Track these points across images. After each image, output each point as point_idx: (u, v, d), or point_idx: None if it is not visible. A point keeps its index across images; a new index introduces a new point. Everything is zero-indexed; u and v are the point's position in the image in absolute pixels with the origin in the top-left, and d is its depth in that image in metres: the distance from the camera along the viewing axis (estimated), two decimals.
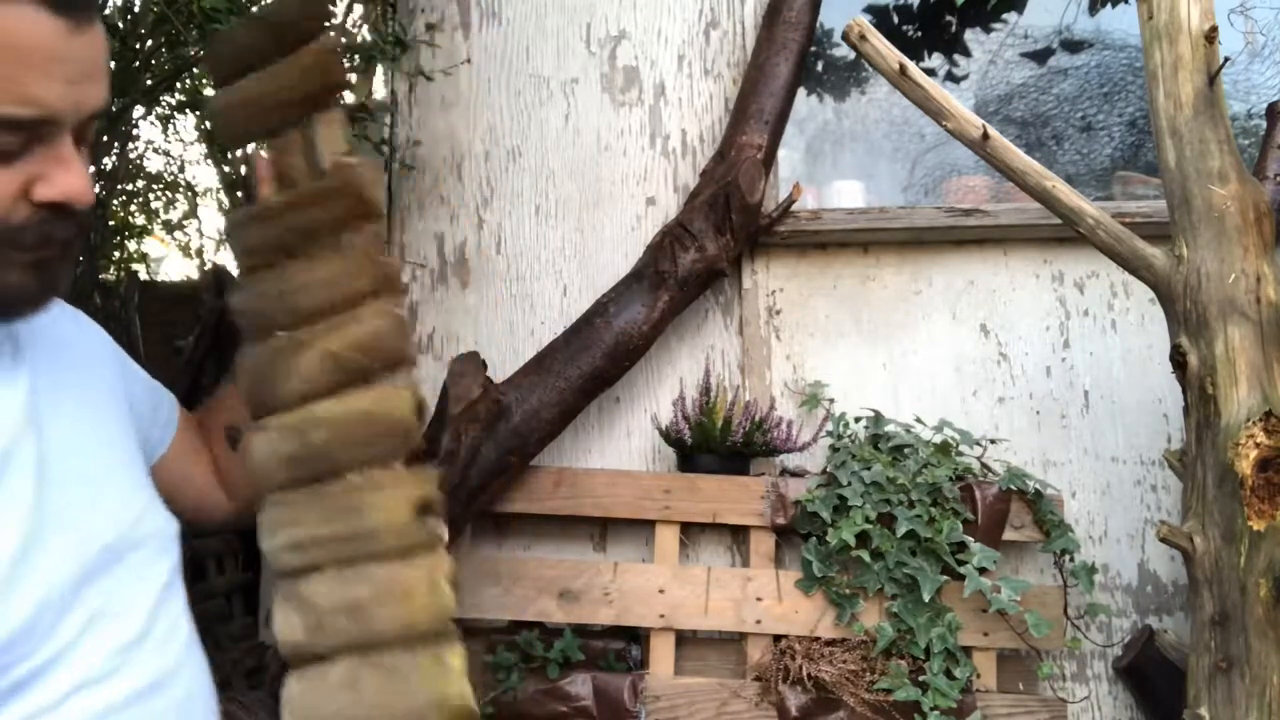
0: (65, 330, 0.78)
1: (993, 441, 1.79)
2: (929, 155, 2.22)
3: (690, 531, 1.79)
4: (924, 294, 1.88)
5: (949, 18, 2.31)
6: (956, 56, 2.32)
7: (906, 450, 1.72)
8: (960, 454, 1.74)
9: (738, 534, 1.79)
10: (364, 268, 0.74)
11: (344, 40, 1.71)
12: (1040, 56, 2.30)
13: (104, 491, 0.71)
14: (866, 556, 1.62)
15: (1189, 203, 1.34)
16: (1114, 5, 2.25)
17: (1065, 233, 1.58)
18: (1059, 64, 2.29)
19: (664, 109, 1.98)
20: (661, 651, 1.68)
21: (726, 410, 1.73)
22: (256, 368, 0.76)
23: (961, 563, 1.59)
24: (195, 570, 2.05)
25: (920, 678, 1.58)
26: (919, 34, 2.31)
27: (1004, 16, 2.29)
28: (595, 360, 1.66)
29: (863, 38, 1.46)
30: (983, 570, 1.58)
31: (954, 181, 2.00)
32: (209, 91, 2.12)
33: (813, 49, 2.03)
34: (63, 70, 0.59)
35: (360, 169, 0.74)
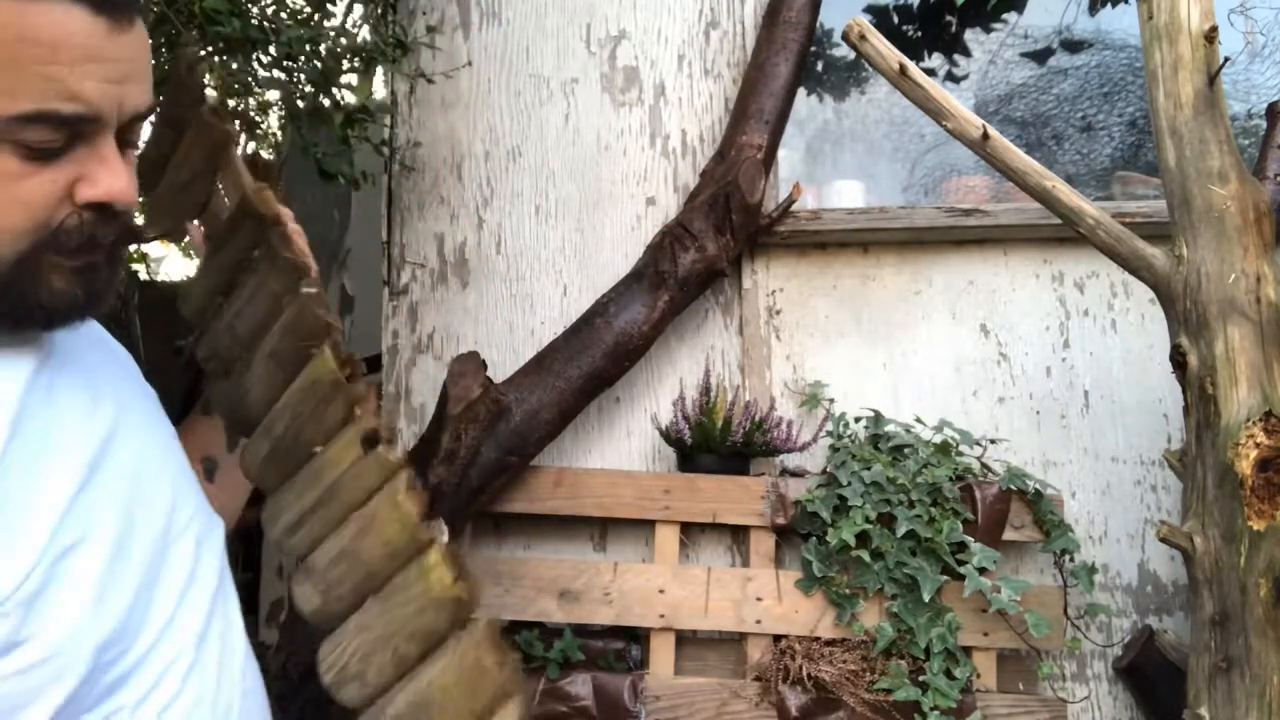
0: (112, 344, 0.82)
1: (993, 441, 1.79)
2: (929, 155, 2.22)
3: (690, 531, 1.79)
4: (924, 294, 1.88)
5: (949, 18, 2.31)
6: (956, 56, 2.32)
7: (906, 450, 1.72)
8: (960, 454, 1.74)
9: (738, 534, 1.79)
10: (273, 271, 0.79)
11: (344, 41, 1.71)
12: (1040, 56, 2.30)
13: (171, 489, 0.74)
14: (866, 556, 1.62)
15: (1189, 203, 1.34)
16: (1114, 5, 2.25)
17: (1065, 233, 1.58)
18: (1059, 64, 2.29)
19: (664, 109, 1.98)
20: (661, 651, 1.68)
21: (726, 410, 1.73)
22: (224, 400, 0.83)
23: (961, 563, 1.59)
24: None
25: (920, 678, 1.58)
26: (919, 34, 2.31)
27: (1004, 16, 2.29)
28: (595, 360, 1.66)
29: (863, 38, 1.46)
30: (983, 570, 1.58)
31: (954, 181, 2.00)
32: (209, 91, 2.11)
33: (813, 49, 2.03)
34: (102, 69, 0.59)
35: (253, 191, 0.80)
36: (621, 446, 1.89)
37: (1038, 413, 1.83)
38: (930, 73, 1.97)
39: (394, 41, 1.73)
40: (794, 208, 1.81)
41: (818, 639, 1.65)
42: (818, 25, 1.88)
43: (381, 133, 1.97)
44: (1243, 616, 1.22)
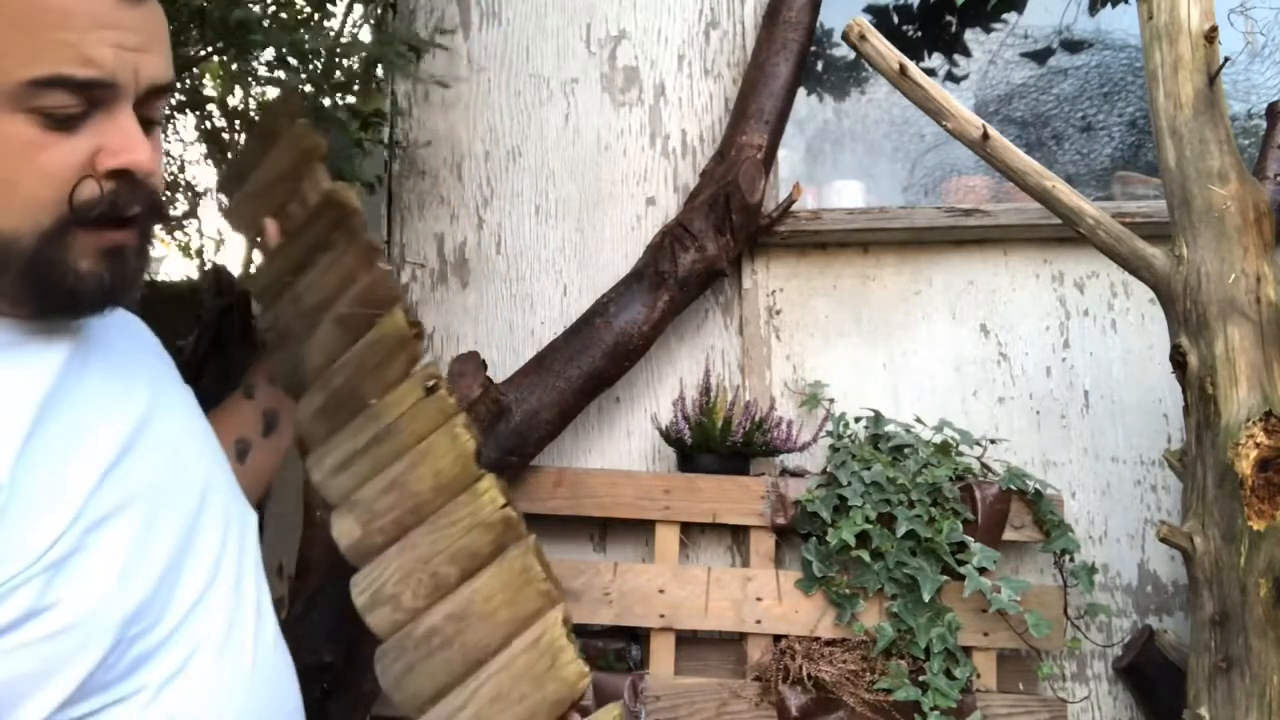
0: (149, 335, 0.84)
1: (993, 441, 1.79)
2: (929, 155, 2.22)
3: (690, 531, 1.79)
4: (924, 294, 1.88)
5: (949, 18, 2.31)
6: (956, 56, 2.32)
7: (906, 450, 1.72)
8: (960, 454, 1.74)
9: (738, 534, 1.79)
10: (350, 250, 0.89)
11: (343, 41, 1.71)
12: (1040, 56, 2.30)
13: (205, 472, 0.75)
14: (866, 556, 1.62)
15: (1189, 203, 1.34)
16: (1114, 5, 2.25)
17: (1065, 233, 1.58)
18: (1059, 64, 2.29)
19: (664, 109, 1.98)
20: (661, 651, 1.68)
21: (726, 410, 1.73)
22: (283, 364, 0.90)
23: (961, 563, 1.59)
24: None
25: (920, 678, 1.58)
26: (919, 34, 2.31)
27: (1004, 16, 2.29)
28: (595, 360, 1.66)
29: (863, 38, 1.46)
30: (983, 570, 1.58)
31: (954, 181, 2.00)
32: (209, 91, 2.12)
33: (813, 49, 2.03)
34: (116, 35, 0.60)
35: (337, 187, 0.91)
36: (621, 446, 1.89)
37: (1038, 413, 1.83)
38: (930, 73, 1.97)
39: (405, 45, 1.72)
40: (794, 208, 1.81)
41: (818, 639, 1.65)
42: (818, 25, 1.88)
43: (381, 133, 1.97)
44: (1243, 616, 1.22)
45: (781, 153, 1.88)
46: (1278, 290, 1.29)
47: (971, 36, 2.32)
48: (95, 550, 0.59)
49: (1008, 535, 1.66)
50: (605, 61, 2.01)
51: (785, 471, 1.79)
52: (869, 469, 1.65)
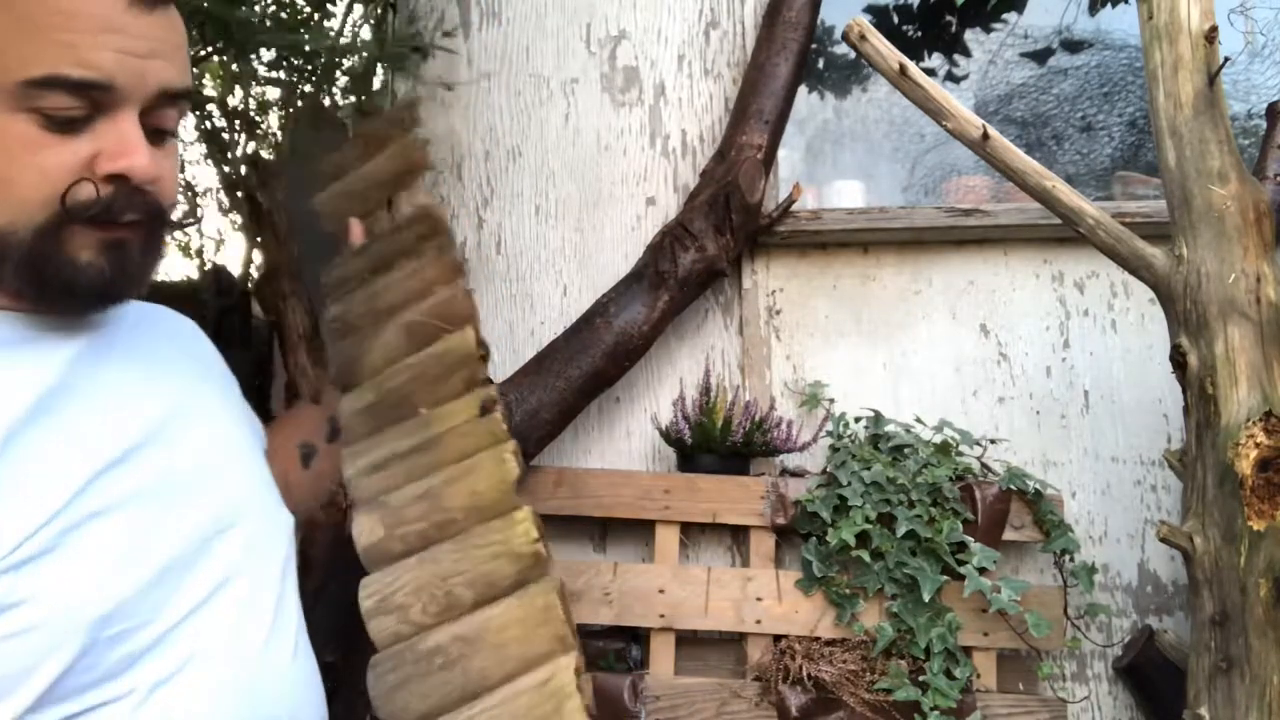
0: (195, 336, 0.86)
1: (993, 441, 1.79)
2: (929, 155, 2.22)
3: (690, 531, 1.79)
4: (924, 294, 1.88)
5: (949, 18, 2.31)
6: (956, 56, 2.32)
7: (906, 450, 1.72)
8: (960, 454, 1.74)
9: (738, 534, 1.79)
10: (434, 262, 0.91)
11: (344, 41, 1.71)
12: (1040, 56, 2.30)
13: (228, 482, 0.74)
14: (866, 556, 1.62)
15: (1189, 203, 1.34)
16: (1114, 5, 2.25)
17: (1065, 233, 1.58)
18: (1059, 64, 2.29)
19: (664, 109, 1.98)
20: (661, 651, 1.68)
21: (726, 410, 1.73)
22: (343, 354, 0.91)
23: (961, 563, 1.59)
24: None
25: (920, 678, 1.58)
26: (919, 34, 2.31)
27: (1004, 16, 2.29)
28: (595, 360, 1.66)
29: (863, 38, 1.46)
30: (983, 570, 1.58)
31: (954, 181, 2.00)
32: (209, 91, 2.12)
33: (813, 48, 2.03)
34: (120, 41, 0.61)
35: (435, 204, 0.95)
36: (621, 446, 1.89)
37: (1038, 413, 1.83)
38: (930, 73, 1.97)
39: (411, 47, 1.73)
40: (794, 208, 1.81)
41: (818, 639, 1.65)
42: (818, 25, 1.88)
43: None
44: (1243, 616, 1.22)
45: (781, 153, 1.88)
46: (1278, 290, 1.29)
47: (971, 36, 2.32)
48: (75, 548, 0.59)
49: (1008, 535, 1.66)
50: (605, 61, 2.01)
51: (785, 471, 1.79)
52: (869, 469, 1.65)
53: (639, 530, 1.79)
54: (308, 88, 1.66)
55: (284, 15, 1.62)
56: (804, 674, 1.59)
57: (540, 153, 2.00)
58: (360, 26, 1.89)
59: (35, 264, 0.62)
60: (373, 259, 0.95)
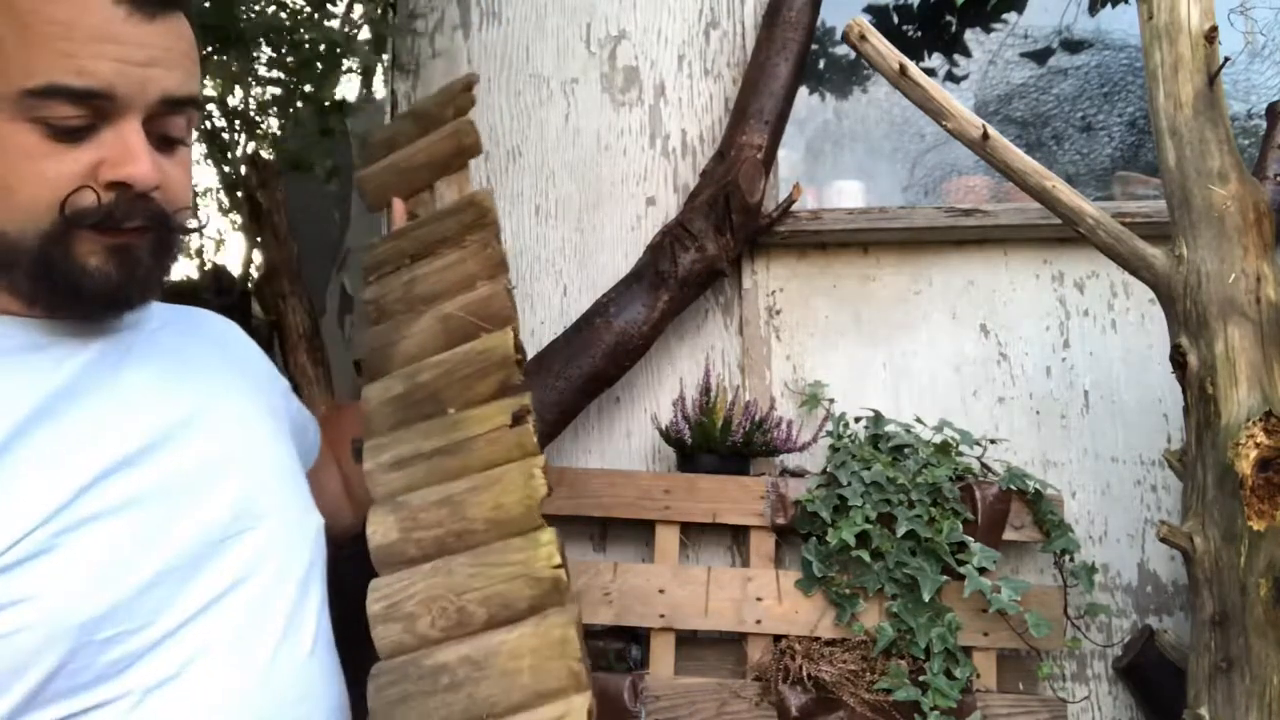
0: (232, 339, 0.86)
1: (993, 441, 1.79)
2: (929, 155, 2.22)
3: (690, 531, 1.79)
4: (924, 294, 1.88)
5: (949, 18, 2.31)
6: (956, 56, 2.32)
7: (906, 450, 1.71)
8: (960, 454, 1.74)
9: (738, 534, 1.79)
10: (477, 255, 0.88)
11: (341, 41, 1.71)
12: (1040, 56, 2.30)
13: (246, 489, 0.73)
14: (866, 556, 1.62)
15: (1189, 203, 1.34)
16: (1114, 5, 2.25)
17: (1065, 233, 1.58)
18: (1059, 64, 2.29)
19: (664, 109, 1.98)
20: (661, 651, 1.68)
21: (726, 410, 1.73)
22: (375, 339, 0.88)
23: (961, 563, 1.59)
24: None
25: (920, 678, 1.58)
26: (919, 34, 2.31)
27: (1004, 16, 2.29)
28: (595, 360, 1.66)
29: (863, 38, 1.46)
30: (983, 570, 1.58)
31: (954, 181, 2.00)
32: (209, 91, 2.12)
33: (813, 48, 2.03)
34: (120, 50, 0.61)
35: (485, 192, 0.92)
36: (621, 446, 1.89)
37: (1038, 413, 1.83)
38: (930, 73, 1.97)
39: (407, 64, 1.73)
40: (794, 208, 1.81)
41: (818, 639, 1.65)
42: (818, 25, 1.88)
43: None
44: (1243, 616, 1.22)
45: (781, 153, 1.88)
46: (1278, 290, 1.29)
47: (971, 36, 2.32)
48: (69, 551, 0.59)
49: (1008, 535, 1.66)
50: (605, 61, 2.01)
51: (785, 471, 1.79)
52: (869, 469, 1.65)
53: (639, 530, 1.79)
54: (308, 88, 1.66)
55: (284, 15, 1.62)
56: (804, 674, 1.59)
57: (540, 153, 2.00)
58: (360, 27, 1.90)
59: (44, 269, 0.62)
60: (415, 243, 0.91)
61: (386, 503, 0.77)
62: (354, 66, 1.71)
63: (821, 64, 2.31)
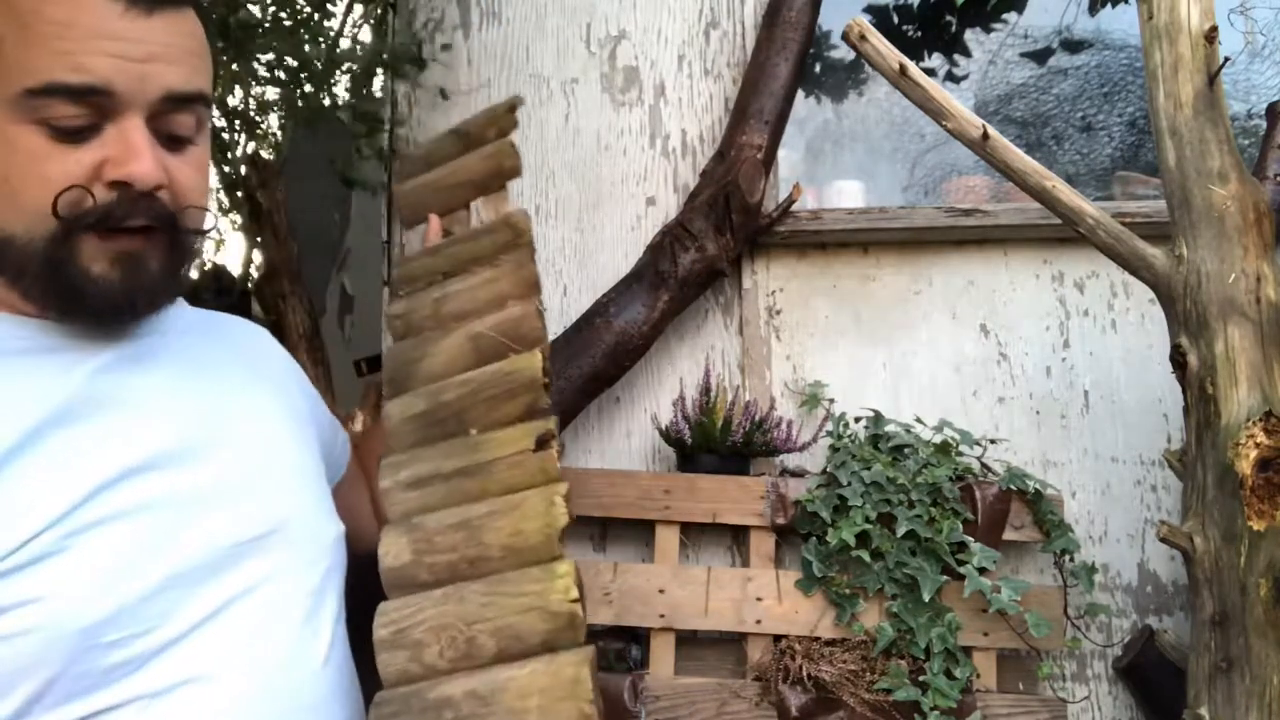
0: (260, 345, 0.86)
1: (993, 441, 1.79)
2: (929, 155, 2.22)
3: (690, 531, 1.79)
4: (924, 294, 1.88)
5: (949, 18, 2.31)
6: (956, 56, 2.32)
7: (906, 450, 1.71)
8: (960, 454, 1.74)
9: (738, 534, 1.79)
10: (510, 275, 0.88)
11: (343, 46, 1.71)
12: (1040, 56, 2.30)
13: (261, 497, 0.72)
14: (866, 556, 1.62)
15: (1189, 203, 1.34)
16: (1114, 5, 2.25)
17: (1065, 233, 1.58)
18: (1059, 64, 2.29)
19: (664, 109, 1.98)
20: (661, 651, 1.68)
21: (726, 410, 1.73)
22: (401, 354, 0.87)
23: (961, 563, 1.59)
24: None
25: (920, 678, 1.58)
26: (919, 34, 2.31)
27: (1004, 16, 2.29)
28: (595, 360, 1.66)
29: (863, 38, 1.46)
30: (983, 570, 1.58)
31: (954, 181, 2.00)
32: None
33: (812, 49, 2.03)
34: (117, 46, 0.61)
35: (520, 212, 0.91)
36: (621, 446, 1.89)
37: (1038, 413, 1.83)
38: (930, 73, 1.97)
39: (410, 56, 1.72)
40: (794, 208, 1.81)
41: (818, 639, 1.65)
42: (817, 25, 1.88)
43: (381, 138, 1.97)
44: (1243, 616, 1.22)
45: (781, 153, 1.88)
46: (1278, 290, 1.29)
47: (971, 36, 2.32)
48: (74, 555, 0.59)
49: (1008, 535, 1.66)
50: (605, 61, 2.01)
51: (785, 471, 1.79)
52: (869, 469, 1.65)
53: (639, 530, 1.79)
54: (308, 88, 1.66)
55: (284, 15, 1.62)
56: (804, 674, 1.59)
57: (540, 153, 2.00)
58: (360, 27, 1.90)
59: (50, 274, 0.62)
60: (447, 259, 0.91)
61: (401, 523, 0.75)
62: (354, 67, 1.71)
63: (820, 65, 2.31)
